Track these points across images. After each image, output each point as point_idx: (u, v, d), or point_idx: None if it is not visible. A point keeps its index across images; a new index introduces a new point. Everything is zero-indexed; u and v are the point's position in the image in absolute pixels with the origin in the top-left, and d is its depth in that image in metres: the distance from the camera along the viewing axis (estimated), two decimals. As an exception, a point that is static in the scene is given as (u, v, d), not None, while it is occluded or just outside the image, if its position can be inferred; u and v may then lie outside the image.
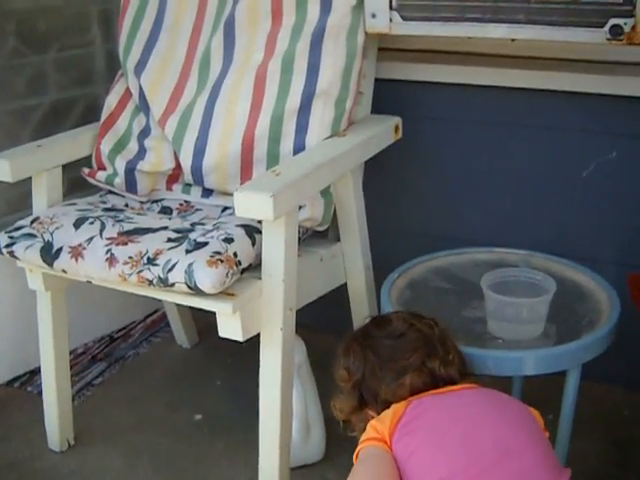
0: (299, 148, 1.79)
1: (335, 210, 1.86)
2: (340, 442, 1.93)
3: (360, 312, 1.94)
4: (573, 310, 1.70)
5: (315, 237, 1.89)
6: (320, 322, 2.19)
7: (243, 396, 2.16)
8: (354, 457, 1.36)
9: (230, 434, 2.05)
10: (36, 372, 2.25)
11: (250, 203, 1.50)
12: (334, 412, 1.52)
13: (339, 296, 1.95)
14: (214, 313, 1.60)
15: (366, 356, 1.46)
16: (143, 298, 1.75)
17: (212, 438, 2.05)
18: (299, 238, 1.71)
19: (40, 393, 2.05)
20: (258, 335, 1.64)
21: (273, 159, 1.81)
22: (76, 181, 2.07)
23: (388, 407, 1.38)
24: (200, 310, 1.63)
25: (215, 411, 2.16)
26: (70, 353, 2.06)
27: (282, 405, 1.66)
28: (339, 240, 1.91)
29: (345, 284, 1.96)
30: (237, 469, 1.93)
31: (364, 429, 1.45)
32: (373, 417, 1.42)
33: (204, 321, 2.33)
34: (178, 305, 2.35)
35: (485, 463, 1.23)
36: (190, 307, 2.34)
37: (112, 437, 2.07)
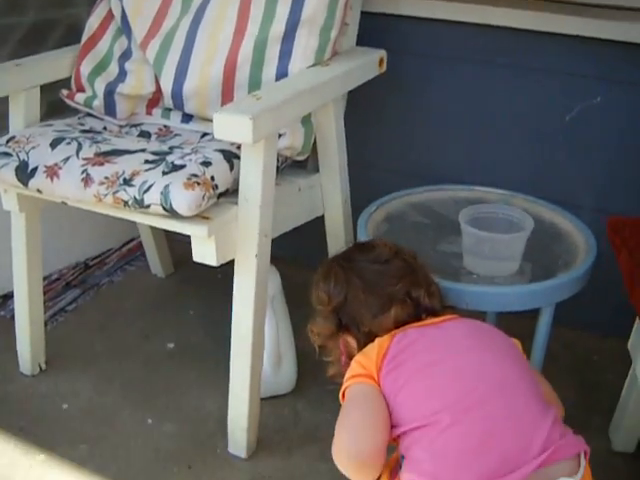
0: (281, 75, 1.77)
1: (315, 141, 1.84)
2: (311, 374, 1.95)
3: (336, 245, 1.91)
4: (549, 250, 1.71)
5: (294, 167, 1.87)
6: (295, 256, 2.18)
7: (216, 326, 2.16)
8: (340, 395, 1.33)
9: (202, 363, 2.06)
10: (9, 296, 2.24)
11: (229, 125, 1.48)
12: (311, 337, 1.50)
13: (315, 230, 1.94)
14: (190, 243, 1.59)
15: (349, 279, 1.43)
16: (119, 226, 1.73)
17: (183, 367, 2.05)
18: (278, 167, 1.69)
19: (13, 317, 2.05)
20: (233, 267, 1.63)
21: (255, 85, 1.78)
22: (54, 105, 2.03)
23: (370, 339, 1.35)
24: (176, 240, 1.61)
25: (187, 340, 2.16)
26: (44, 279, 2.05)
27: (254, 334, 1.65)
28: (318, 171, 1.90)
29: (322, 218, 1.95)
30: (208, 398, 1.94)
31: (339, 355, 1.45)
32: (349, 343, 1.41)
33: (180, 252, 2.32)
34: (154, 234, 2.34)
35: (478, 393, 1.21)
36: (166, 237, 2.35)
37: (84, 363, 2.07)
